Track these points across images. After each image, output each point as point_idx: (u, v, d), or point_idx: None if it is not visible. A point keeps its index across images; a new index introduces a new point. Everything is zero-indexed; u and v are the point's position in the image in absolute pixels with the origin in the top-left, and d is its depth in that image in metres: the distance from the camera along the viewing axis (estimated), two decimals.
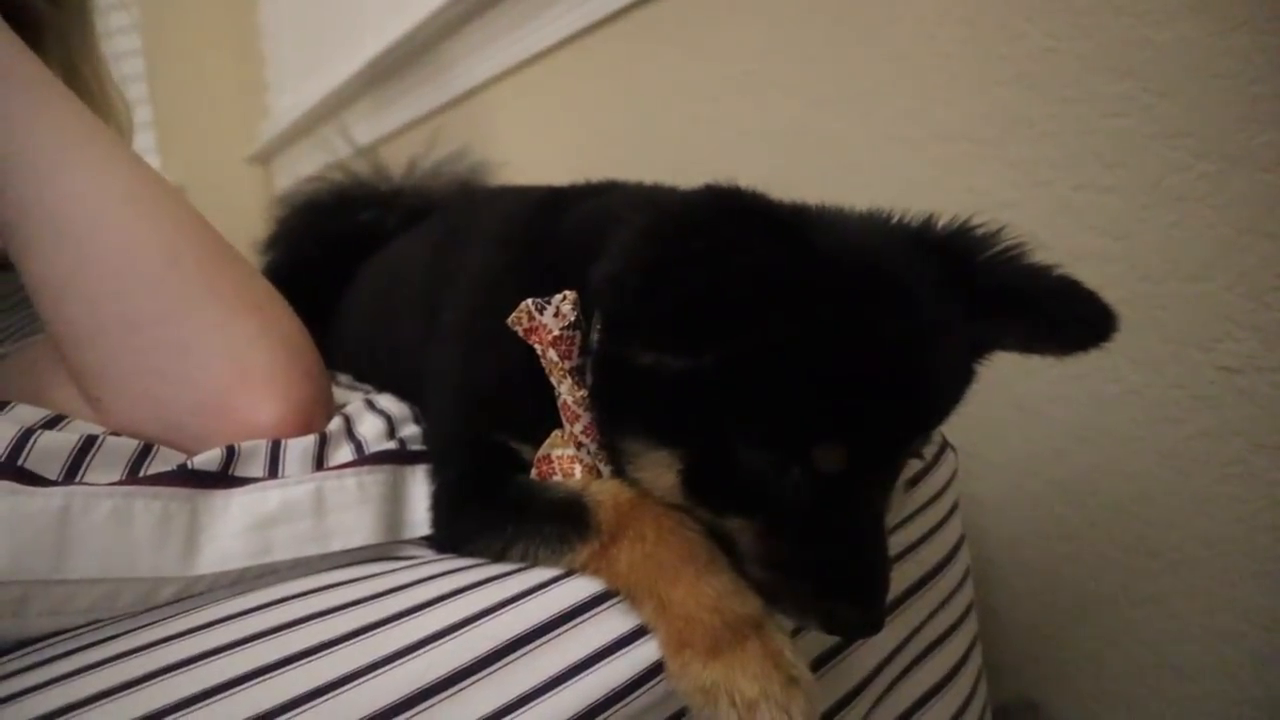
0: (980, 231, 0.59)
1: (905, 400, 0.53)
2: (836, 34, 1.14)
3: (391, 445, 0.68)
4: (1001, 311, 0.56)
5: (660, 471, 0.56)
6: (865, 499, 0.55)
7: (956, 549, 0.81)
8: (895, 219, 0.60)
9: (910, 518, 0.73)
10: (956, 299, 0.55)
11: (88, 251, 0.67)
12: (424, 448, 0.70)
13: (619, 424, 0.59)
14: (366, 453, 0.66)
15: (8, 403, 0.64)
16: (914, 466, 0.74)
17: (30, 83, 0.71)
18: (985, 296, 0.55)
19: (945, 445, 0.82)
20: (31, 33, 0.82)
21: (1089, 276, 0.57)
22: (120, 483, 0.56)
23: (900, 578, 0.71)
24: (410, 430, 0.73)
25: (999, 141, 0.97)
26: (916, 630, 0.74)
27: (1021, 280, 0.57)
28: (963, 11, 0.99)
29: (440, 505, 0.65)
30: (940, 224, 0.59)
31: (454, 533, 0.63)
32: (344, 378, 0.96)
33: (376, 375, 0.93)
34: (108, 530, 0.53)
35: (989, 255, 0.58)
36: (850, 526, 0.54)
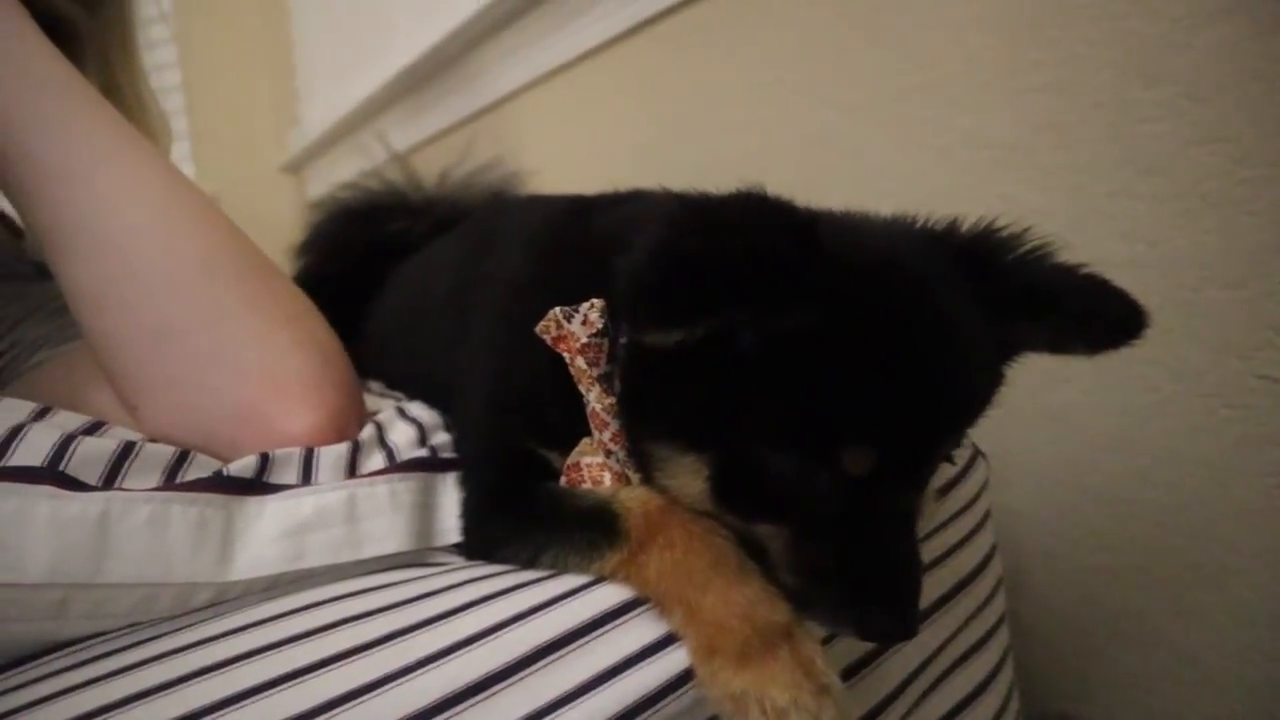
0: (1005, 233, 0.59)
1: (932, 401, 0.53)
2: (865, 41, 1.14)
3: (423, 453, 0.68)
4: (1028, 312, 0.56)
5: (689, 478, 0.56)
6: (896, 503, 0.54)
7: (989, 558, 0.80)
8: (919, 223, 0.60)
9: (942, 526, 0.73)
10: (982, 300, 0.55)
11: (124, 260, 0.68)
12: (454, 455, 0.70)
13: (647, 430, 0.59)
14: (398, 460, 0.66)
15: (50, 409, 0.65)
16: (946, 473, 0.73)
17: (66, 91, 0.72)
18: (1011, 297, 0.55)
19: (977, 453, 0.81)
20: (71, 45, 0.83)
21: (1123, 283, 0.56)
22: (158, 489, 0.57)
23: (932, 586, 0.70)
24: (441, 438, 0.73)
25: (1030, 148, 0.97)
26: (949, 640, 0.74)
27: (1047, 280, 0.57)
28: (993, 17, 0.98)
29: (470, 512, 0.65)
30: (965, 227, 0.59)
31: (484, 539, 0.63)
32: (375, 385, 0.96)
33: (407, 382, 0.93)
34: (145, 535, 0.54)
35: (1014, 256, 0.57)
36: (881, 531, 0.53)
